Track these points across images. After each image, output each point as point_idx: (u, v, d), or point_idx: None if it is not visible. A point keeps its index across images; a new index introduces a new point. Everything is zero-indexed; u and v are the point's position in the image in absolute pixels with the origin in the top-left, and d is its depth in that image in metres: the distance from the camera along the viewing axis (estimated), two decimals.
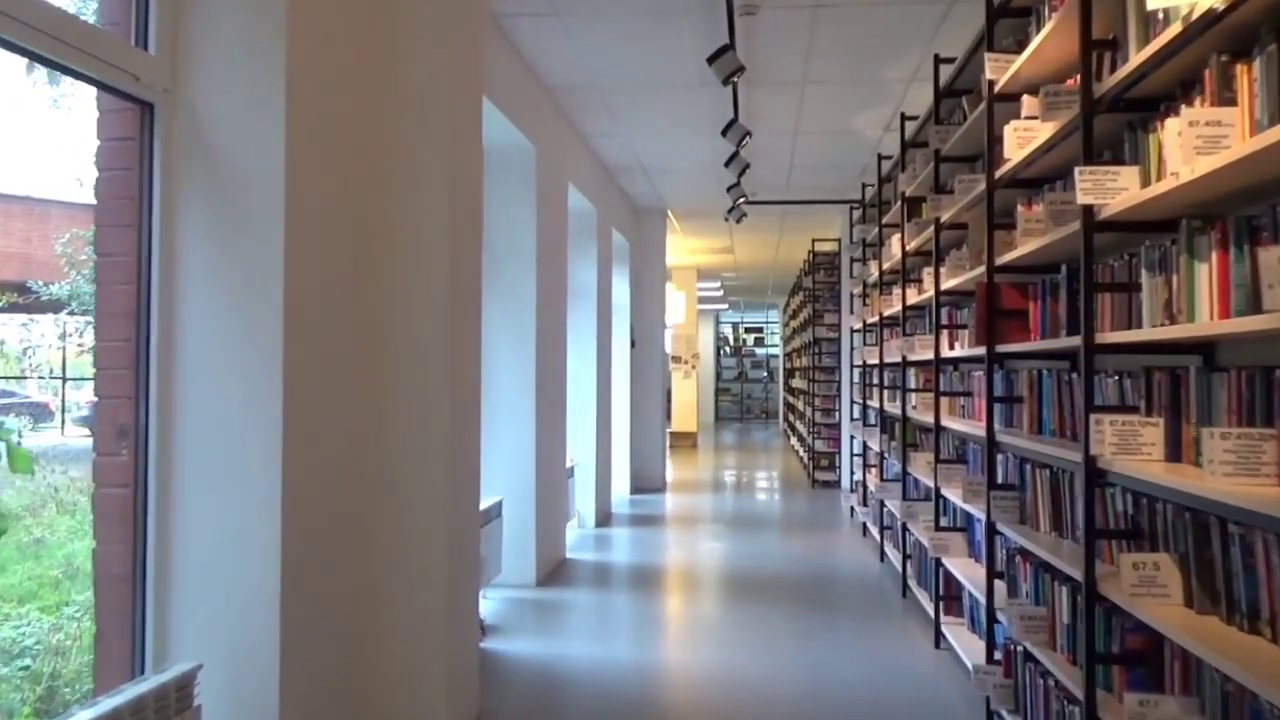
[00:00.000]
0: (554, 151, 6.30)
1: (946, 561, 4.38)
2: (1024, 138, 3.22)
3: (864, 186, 7.96)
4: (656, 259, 10.50)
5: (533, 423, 5.87)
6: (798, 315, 14.59)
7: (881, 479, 6.65)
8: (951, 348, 4.68)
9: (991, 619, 3.53)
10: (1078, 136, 2.70)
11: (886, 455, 6.40)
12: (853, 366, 8.44)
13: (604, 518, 8.28)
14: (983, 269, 3.62)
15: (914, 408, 5.47)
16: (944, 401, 4.69)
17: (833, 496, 9.92)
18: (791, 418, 16.72)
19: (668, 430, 16.26)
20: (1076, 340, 2.67)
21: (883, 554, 6.55)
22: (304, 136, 2.79)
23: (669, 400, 16.67)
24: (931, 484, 4.70)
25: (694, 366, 16.48)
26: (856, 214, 8.94)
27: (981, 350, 3.70)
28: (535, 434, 5.89)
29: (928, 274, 4.98)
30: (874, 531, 7.01)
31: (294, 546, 2.69)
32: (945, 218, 4.45)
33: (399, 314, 3.27)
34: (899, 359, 5.84)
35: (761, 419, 24.91)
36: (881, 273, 6.60)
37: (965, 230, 4.48)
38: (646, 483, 10.32)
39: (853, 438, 8.27)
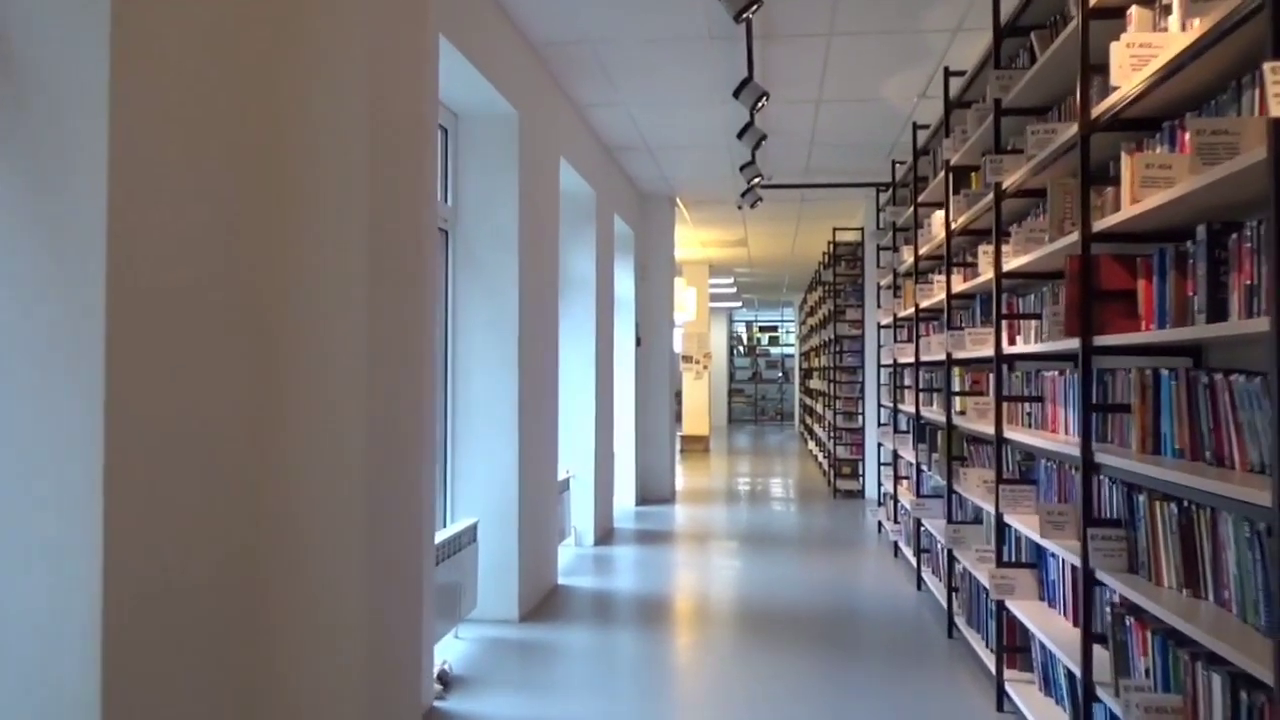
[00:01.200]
0: (541, 119, 5.49)
1: (1012, 605, 3.55)
2: (1141, 57, 2.39)
3: (894, 164, 7.13)
4: (664, 250, 9.69)
5: (515, 431, 5.07)
6: (815, 312, 13.75)
7: (918, 495, 5.81)
8: (1012, 342, 3.85)
9: (1090, 696, 2.69)
10: (1242, 34, 1.88)
11: (925, 468, 5.57)
12: (880, 366, 7.62)
13: (605, 534, 7.48)
14: (1074, 238, 2.79)
15: (960, 413, 4.64)
16: (1004, 408, 3.86)
17: (856, 508, 9.08)
18: (809, 420, 15.88)
19: (678, 434, 15.45)
20: (1229, 328, 1.85)
21: (920, 580, 5.71)
22: (143, 53, 2.00)
23: (679, 402, 15.87)
24: (987, 507, 3.88)
25: (706, 366, 15.66)
26: (884, 197, 8.10)
27: (1066, 344, 2.88)
28: (519, 444, 5.09)
29: (984, 254, 4.16)
30: (907, 553, 6.18)
31: (121, 615, 1.89)
32: (1010, 183, 3.62)
33: (289, 305, 2.45)
34: (940, 357, 5.01)
35: (776, 421, 24.06)
36: (918, 259, 5.77)
37: (1034, 198, 3.65)
38: (654, 493, 9.51)
39: (880, 445, 7.46)
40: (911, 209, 5.94)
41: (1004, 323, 3.87)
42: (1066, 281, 2.83)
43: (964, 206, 4.51)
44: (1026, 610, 3.41)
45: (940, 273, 5.21)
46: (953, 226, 4.74)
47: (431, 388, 3.06)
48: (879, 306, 7.59)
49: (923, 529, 5.61)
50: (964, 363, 4.71)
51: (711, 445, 16.41)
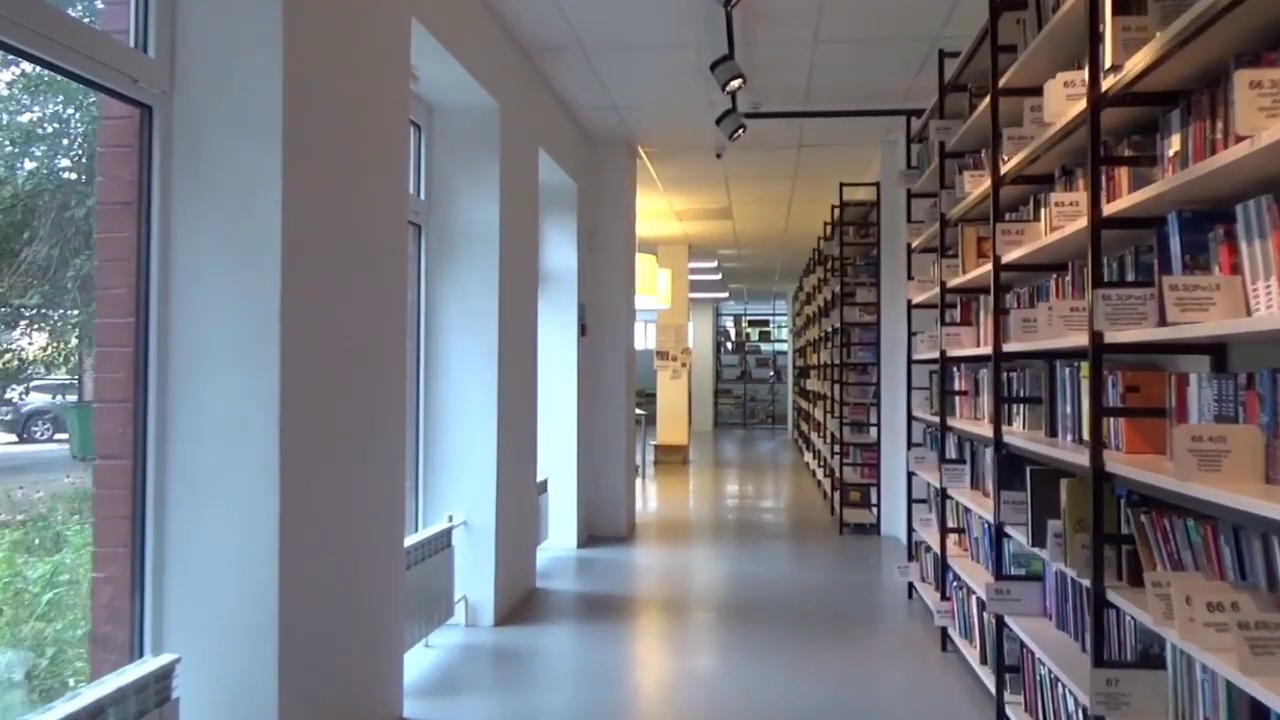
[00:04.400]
0: None
1: None
2: None
3: (942, 58, 4.83)
4: (621, 212, 7.43)
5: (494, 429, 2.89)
6: (814, 298, 11.50)
7: (996, 574, 3.57)
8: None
9: None
10: None
11: (1009, 528, 3.33)
12: (913, 362, 5.41)
13: (516, 604, 5.23)
14: None
15: (1074, 441, 2.43)
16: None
17: (869, 550, 6.86)
18: (805, 427, 13.64)
19: (651, 443, 13.20)
20: None
21: (1001, 710, 3.48)
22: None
23: (653, 404, 13.61)
24: (1218, 665, 1.65)
25: (685, 364, 13.41)
26: (914, 141, 5.85)
27: None
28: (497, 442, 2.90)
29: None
30: (969, 656, 3.95)
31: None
32: None
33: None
34: (1059, 343, 2.79)
35: (767, 424, 21.82)
36: (998, 180, 3.53)
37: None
38: (605, 528, 7.27)
39: (912, 475, 5.25)
40: (987, 102, 3.68)
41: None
42: None
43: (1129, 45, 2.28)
44: None
45: (1047, 199, 2.99)
46: (1064, 126, 2.51)
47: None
48: (911, 278, 5.35)
49: (1007, 633, 3.38)
50: (1117, 350, 2.48)
51: (692, 455, 14.16)
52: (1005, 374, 3.57)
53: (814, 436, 11.38)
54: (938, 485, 4.62)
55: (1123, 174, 2.57)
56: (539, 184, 5.72)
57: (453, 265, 4.76)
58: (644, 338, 18.07)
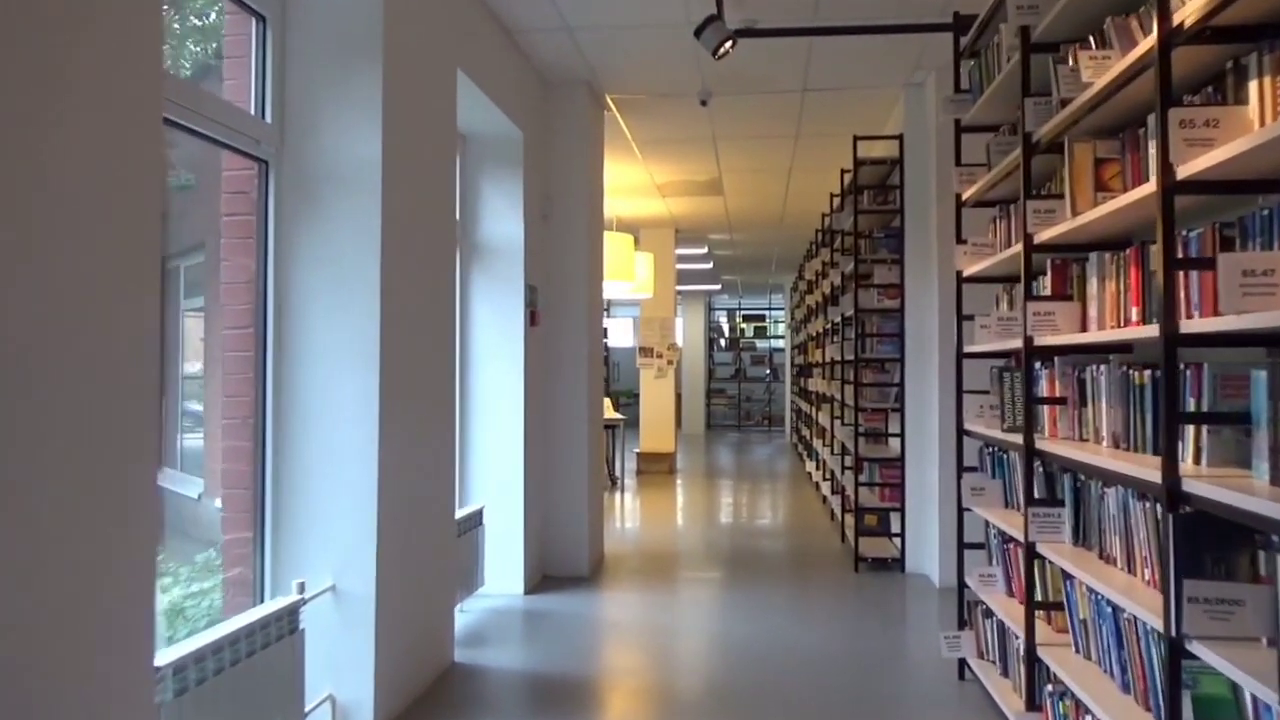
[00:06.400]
0: None
1: None
2: None
3: None
4: (581, 171, 5.98)
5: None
6: (817, 286, 10.06)
7: (1137, 688, 2.13)
8: None
9: None
10: None
11: (1200, 644, 1.89)
12: (961, 356, 3.97)
13: (413, 698, 3.78)
14: None
15: None
16: None
17: (893, 593, 5.44)
18: (806, 432, 12.21)
19: (633, 451, 11.78)
20: None
21: None
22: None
23: (635, 408, 12.17)
24: None
25: (671, 362, 11.96)
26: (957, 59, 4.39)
27: None
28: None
29: None
30: None
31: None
32: None
33: None
34: (1242, 326, 1.34)
35: (763, 426, 20.39)
36: (1167, 57, 2.08)
37: None
38: (563, 564, 5.83)
39: (965, 511, 3.80)
40: None
41: None
42: None
43: None
44: None
45: (1257, 65, 1.57)
46: None
47: None
48: (963, 242, 3.89)
49: None
50: None
51: (680, 463, 12.71)
52: (1107, 370, 2.13)
53: (818, 445, 9.94)
54: (1008, 531, 3.19)
55: None
56: (457, 120, 4.27)
57: (315, 216, 3.31)
58: (633, 335, 16.61)
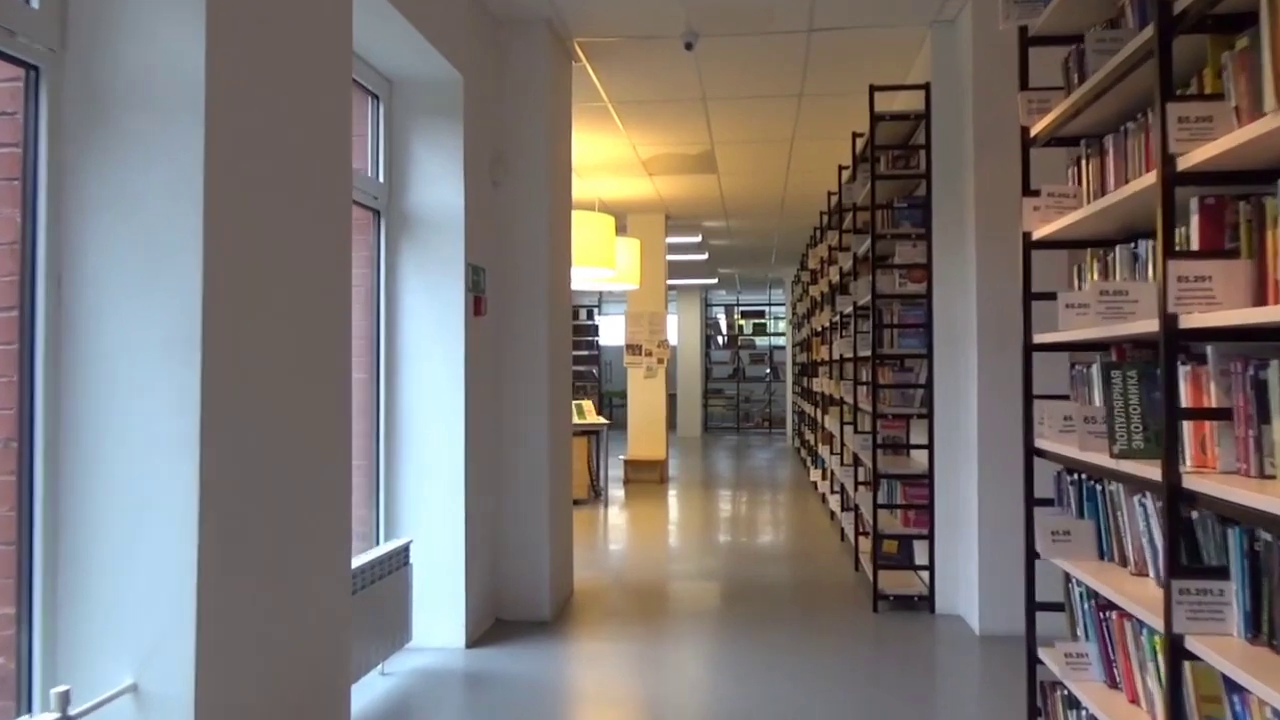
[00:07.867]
0: None
1: None
2: None
3: None
4: (540, 128, 4.93)
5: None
6: (822, 275, 9.01)
7: None
8: None
9: None
10: None
11: None
12: (1030, 348, 2.93)
13: None
14: None
15: None
16: None
17: (922, 643, 4.40)
18: (810, 436, 11.18)
19: (620, 458, 10.76)
20: None
21: None
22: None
23: (623, 410, 11.13)
24: None
25: (661, 360, 10.93)
26: None
27: None
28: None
29: None
30: None
31: None
32: None
33: None
34: None
35: (763, 428, 19.35)
36: None
37: None
38: (517, 606, 4.79)
39: (1035, 559, 2.77)
40: None
41: None
42: None
43: None
44: None
45: None
46: None
47: None
48: (1035, 193, 2.85)
49: None
50: None
51: (672, 470, 11.67)
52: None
53: (824, 451, 8.89)
54: (1112, 599, 2.15)
55: None
56: (375, 58, 3.24)
57: (109, 148, 2.28)
58: (623, 333, 15.56)
